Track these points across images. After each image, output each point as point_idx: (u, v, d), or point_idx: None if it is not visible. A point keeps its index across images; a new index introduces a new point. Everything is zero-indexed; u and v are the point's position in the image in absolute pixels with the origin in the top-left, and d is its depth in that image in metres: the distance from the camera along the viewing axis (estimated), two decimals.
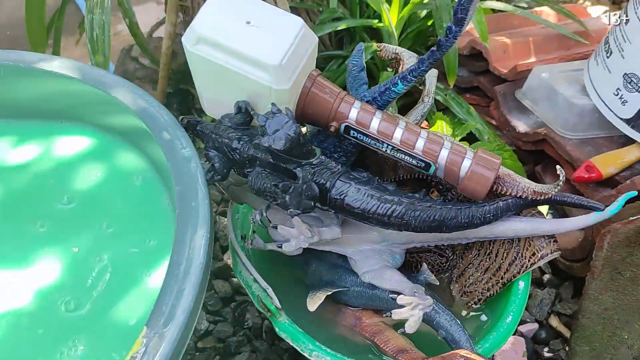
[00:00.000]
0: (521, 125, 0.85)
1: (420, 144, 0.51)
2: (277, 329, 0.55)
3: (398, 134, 0.52)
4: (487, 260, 0.58)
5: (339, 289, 0.57)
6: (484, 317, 0.59)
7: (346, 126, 0.53)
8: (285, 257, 0.65)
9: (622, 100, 0.72)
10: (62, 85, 0.60)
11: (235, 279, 0.84)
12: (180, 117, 0.57)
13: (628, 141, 0.75)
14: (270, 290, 0.56)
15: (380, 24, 0.92)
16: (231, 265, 0.86)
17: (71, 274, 0.51)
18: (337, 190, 0.50)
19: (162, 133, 0.54)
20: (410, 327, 0.49)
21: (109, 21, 0.74)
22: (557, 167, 0.50)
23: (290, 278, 0.63)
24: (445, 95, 0.90)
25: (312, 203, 0.48)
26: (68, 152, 0.61)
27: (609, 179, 0.72)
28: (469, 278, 0.59)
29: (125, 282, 0.50)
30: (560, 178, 0.50)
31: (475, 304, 0.59)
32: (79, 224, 0.55)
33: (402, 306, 0.50)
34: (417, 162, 0.52)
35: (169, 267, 0.44)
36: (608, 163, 0.72)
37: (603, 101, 0.75)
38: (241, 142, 0.52)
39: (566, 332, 0.74)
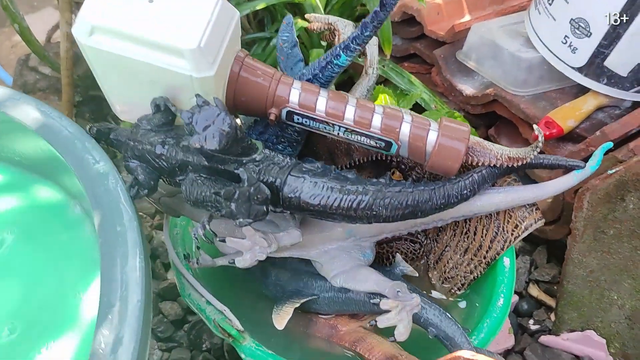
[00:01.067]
0: (467, 89, 0.80)
1: (376, 121, 0.44)
2: (242, 355, 0.47)
3: (350, 113, 0.44)
4: (465, 240, 0.52)
5: (307, 299, 0.50)
6: (462, 304, 0.53)
7: (288, 111, 0.45)
8: (239, 269, 0.57)
9: (572, 47, 0.68)
10: None
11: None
12: (88, 127, 0.47)
13: (581, 90, 0.71)
14: (228, 312, 0.48)
15: None
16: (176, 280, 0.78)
17: None
18: (290, 187, 0.42)
19: (67, 148, 0.44)
20: (401, 335, 0.42)
21: None
22: (535, 126, 0.44)
23: (248, 293, 0.55)
24: (383, 66, 0.84)
25: (264, 208, 0.40)
26: None
27: (569, 133, 0.68)
28: (447, 262, 0.53)
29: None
30: (539, 139, 0.44)
31: (459, 290, 0.53)
32: None
33: (385, 310, 0.43)
34: (376, 143, 0.45)
35: (100, 312, 0.36)
36: (567, 116, 0.68)
37: (551, 51, 0.70)
38: (166, 147, 0.43)
39: (548, 300, 0.69)
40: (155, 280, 0.77)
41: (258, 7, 0.82)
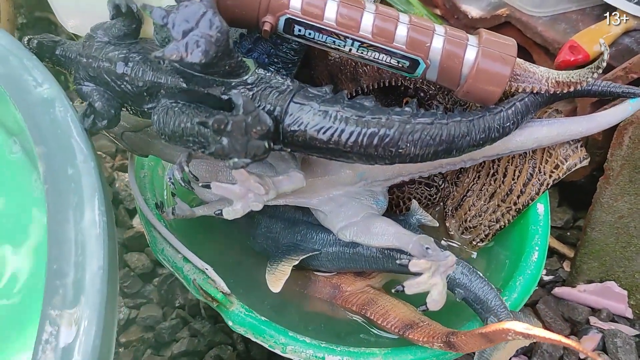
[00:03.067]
0: (474, 10, 0.70)
1: (401, 32, 0.35)
2: (230, 323, 0.40)
3: (367, 23, 0.35)
4: (492, 183, 0.44)
5: (308, 254, 0.41)
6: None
7: (287, 19, 0.35)
8: (221, 220, 0.48)
9: None
10: None
11: None
12: (27, 39, 0.37)
13: (604, 11, 0.63)
14: (210, 271, 0.40)
15: None
16: (143, 233, 0.69)
17: None
18: (293, 118, 0.33)
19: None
20: (435, 303, 0.34)
21: None
22: (600, 40, 0.36)
23: (233, 245, 0.47)
24: None
25: (265, 144, 0.30)
26: None
27: (595, 59, 0.60)
28: (469, 209, 0.45)
29: None
30: (604, 56, 0.36)
31: (482, 241, 0.45)
32: None
33: (415, 275, 0.35)
34: (399, 62, 0.36)
35: (47, 285, 0.26)
36: (593, 40, 0.59)
37: None
38: (130, 64, 0.34)
39: (561, 248, 0.64)
40: (120, 228, 0.68)
41: None
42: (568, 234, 0.65)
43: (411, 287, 0.34)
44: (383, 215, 0.41)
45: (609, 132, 0.52)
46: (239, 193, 0.33)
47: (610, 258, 0.57)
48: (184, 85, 0.32)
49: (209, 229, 0.48)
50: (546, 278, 0.62)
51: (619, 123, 0.49)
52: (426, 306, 0.35)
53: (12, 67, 0.34)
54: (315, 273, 0.45)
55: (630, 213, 0.53)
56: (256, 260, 0.45)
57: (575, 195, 0.66)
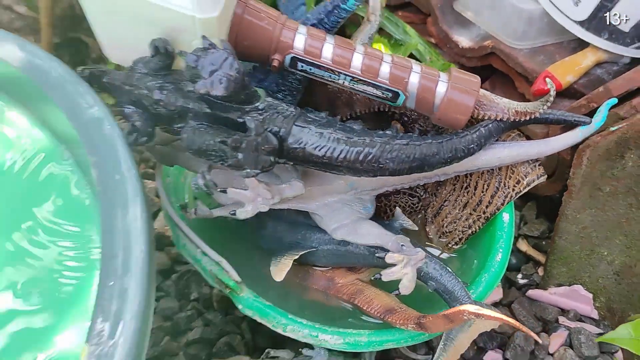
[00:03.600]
0: (464, 40, 0.78)
1: (385, 70, 0.43)
2: (239, 307, 0.47)
3: (357, 61, 0.43)
4: (465, 194, 0.52)
5: (306, 251, 0.49)
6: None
7: (292, 58, 0.43)
8: (233, 221, 0.56)
9: (575, 0, 0.66)
10: None
11: (171, 248, 0.74)
12: (80, 69, 0.45)
13: (579, 45, 0.70)
14: (224, 263, 0.47)
15: None
16: (164, 234, 0.76)
17: None
18: (294, 138, 0.41)
19: (57, 91, 0.42)
20: (405, 288, 0.42)
21: None
22: (546, 79, 0.43)
23: (243, 243, 0.55)
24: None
25: (271, 158, 0.38)
26: None
27: (567, 88, 0.67)
28: (446, 217, 0.53)
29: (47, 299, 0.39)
30: (551, 93, 0.43)
31: (456, 244, 0.53)
32: None
33: (389, 264, 0.42)
34: (383, 93, 0.44)
35: (103, 263, 0.34)
36: (566, 71, 0.67)
37: (553, 3, 0.69)
38: (165, 92, 0.41)
39: (537, 255, 0.70)
40: None
41: None
42: (543, 243, 0.72)
43: (387, 275, 0.42)
44: (370, 219, 0.49)
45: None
46: (250, 197, 0.41)
47: (577, 264, 0.63)
48: (208, 110, 0.40)
49: (223, 229, 0.56)
50: (522, 281, 0.69)
51: (579, 145, 0.57)
52: (399, 291, 0.42)
53: (68, 93, 0.42)
54: (313, 268, 0.52)
55: (592, 224, 0.60)
56: (262, 256, 0.52)
57: (550, 208, 0.72)
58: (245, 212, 0.42)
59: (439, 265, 0.46)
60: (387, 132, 0.42)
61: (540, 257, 0.70)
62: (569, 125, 0.53)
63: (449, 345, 0.45)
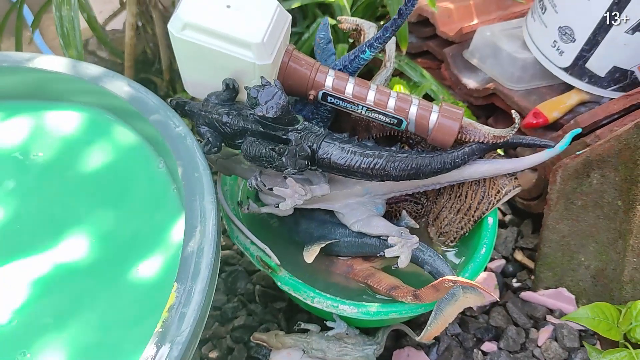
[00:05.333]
0: (471, 83, 0.93)
1: (391, 103, 0.58)
2: (279, 284, 0.61)
3: (371, 96, 0.58)
4: (458, 202, 0.65)
5: (331, 241, 0.63)
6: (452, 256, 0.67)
7: (324, 93, 0.58)
8: (275, 221, 0.71)
9: (559, 51, 0.80)
10: (50, 76, 0.62)
11: (222, 252, 0.89)
12: (169, 99, 0.61)
13: (567, 88, 0.84)
14: (268, 250, 0.62)
15: None
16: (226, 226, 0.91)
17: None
18: (323, 150, 0.56)
19: (153, 116, 0.58)
20: (402, 262, 0.56)
21: (78, 16, 0.76)
22: (513, 111, 0.57)
23: (282, 239, 0.69)
24: (399, 61, 0.97)
25: (306, 162, 0.53)
26: (61, 128, 0.63)
27: (554, 123, 0.80)
28: (443, 220, 0.66)
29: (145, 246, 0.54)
30: (516, 121, 0.57)
31: (452, 242, 0.66)
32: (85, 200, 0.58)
33: (392, 246, 0.57)
34: (390, 120, 0.58)
35: (186, 231, 0.49)
36: (552, 108, 0.80)
37: (542, 53, 0.83)
38: (230, 116, 0.57)
39: (530, 264, 0.82)
40: None
41: (293, 6, 0.95)
42: (536, 253, 0.84)
43: (389, 252, 0.56)
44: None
45: None
46: (290, 193, 0.56)
47: (560, 269, 0.75)
48: (261, 129, 0.56)
49: (267, 228, 0.70)
50: (516, 285, 0.81)
51: (551, 165, 0.70)
52: (397, 264, 0.56)
53: (162, 116, 0.58)
54: (337, 257, 0.66)
55: (569, 233, 0.72)
56: (296, 249, 0.65)
57: None
58: (285, 205, 0.57)
59: (433, 253, 0.59)
60: (392, 148, 0.57)
61: (533, 266, 0.82)
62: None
63: (438, 315, 0.58)
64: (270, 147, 0.53)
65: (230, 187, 0.72)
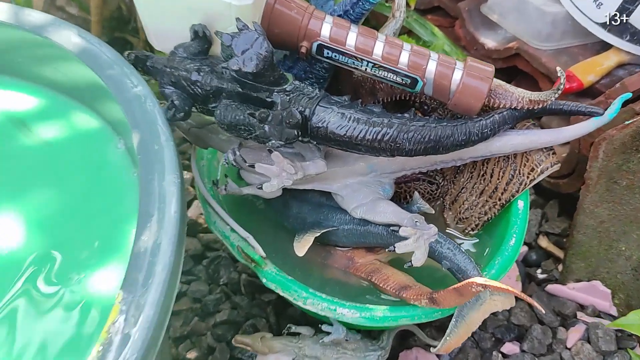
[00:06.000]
0: (490, 42, 0.81)
1: (404, 57, 0.46)
2: (264, 280, 0.50)
3: (379, 49, 0.46)
4: (482, 182, 0.54)
5: (327, 229, 0.52)
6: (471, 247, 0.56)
7: (319, 45, 0.47)
8: (261, 202, 0.60)
9: (597, 2, 0.68)
10: None
11: (203, 235, 0.78)
12: (127, 53, 0.49)
13: (603, 47, 0.72)
14: (251, 239, 0.51)
15: None
16: (197, 221, 0.80)
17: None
18: (318, 117, 0.44)
19: (106, 71, 0.46)
20: (418, 260, 0.44)
21: None
22: (558, 68, 0.46)
23: (269, 224, 0.58)
24: (407, 17, 0.85)
25: (295, 132, 0.42)
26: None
27: (588, 88, 0.69)
28: (463, 203, 0.55)
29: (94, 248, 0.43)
30: (561, 80, 0.46)
31: (473, 230, 0.55)
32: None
33: (404, 239, 0.45)
34: (402, 79, 0.47)
35: (139, 221, 0.38)
36: (588, 71, 0.69)
37: (576, 6, 0.71)
38: (202, 74, 0.45)
39: (557, 252, 0.72)
40: None
41: None
42: (564, 240, 0.73)
43: (400, 247, 0.44)
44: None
45: None
46: (275, 172, 0.45)
47: (595, 259, 0.65)
48: (240, 89, 0.44)
49: (252, 210, 0.59)
50: (541, 276, 0.70)
51: (595, 139, 0.58)
52: (411, 263, 0.45)
53: (116, 73, 0.47)
54: (335, 248, 0.55)
55: (610, 219, 0.62)
56: (286, 236, 0.54)
57: (572, 207, 0.74)
58: (270, 186, 0.45)
59: (453, 245, 0.48)
60: (405, 114, 0.45)
61: (560, 254, 0.72)
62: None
63: (460, 322, 0.47)
64: (249, 112, 0.41)
65: (208, 162, 0.61)
